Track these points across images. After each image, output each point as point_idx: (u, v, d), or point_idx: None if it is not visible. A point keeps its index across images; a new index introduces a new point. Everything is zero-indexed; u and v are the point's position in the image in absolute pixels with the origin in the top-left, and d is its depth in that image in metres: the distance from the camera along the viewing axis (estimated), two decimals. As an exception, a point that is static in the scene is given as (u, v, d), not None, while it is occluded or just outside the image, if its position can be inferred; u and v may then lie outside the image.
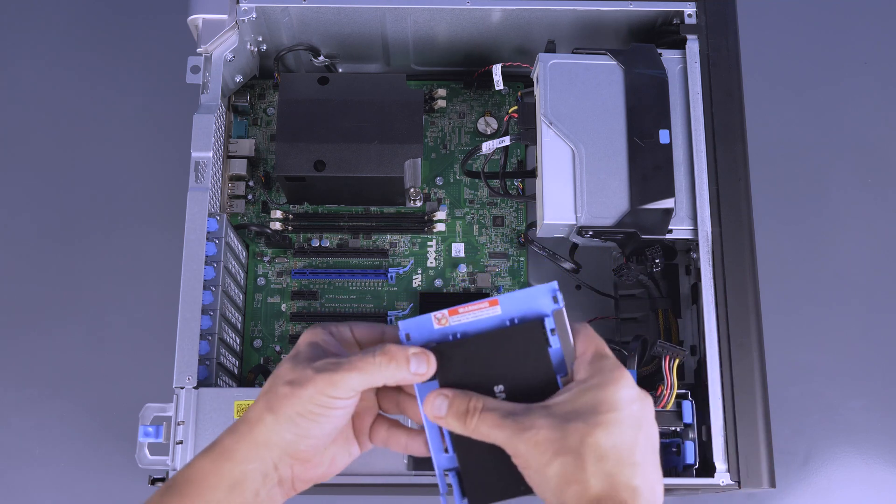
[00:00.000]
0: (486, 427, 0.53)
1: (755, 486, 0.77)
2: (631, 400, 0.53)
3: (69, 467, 1.03)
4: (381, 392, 0.60)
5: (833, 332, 1.09)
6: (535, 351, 0.56)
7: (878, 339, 1.09)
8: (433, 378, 0.56)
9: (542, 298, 0.56)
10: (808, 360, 1.08)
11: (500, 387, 0.56)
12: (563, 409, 0.52)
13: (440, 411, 0.55)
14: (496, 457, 0.54)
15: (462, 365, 0.56)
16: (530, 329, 0.56)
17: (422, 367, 0.55)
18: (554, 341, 0.56)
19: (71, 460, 1.03)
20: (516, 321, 0.56)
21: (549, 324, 0.56)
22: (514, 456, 0.53)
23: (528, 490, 0.54)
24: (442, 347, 0.56)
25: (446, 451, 0.56)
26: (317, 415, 0.54)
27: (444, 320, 0.56)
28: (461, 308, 0.56)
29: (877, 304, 1.10)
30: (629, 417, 0.52)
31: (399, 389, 0.59)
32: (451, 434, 0.56)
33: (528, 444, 0.51)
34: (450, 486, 0.56)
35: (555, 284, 0.56)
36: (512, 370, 0.56)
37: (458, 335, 0.56)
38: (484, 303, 0.56)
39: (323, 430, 0.55)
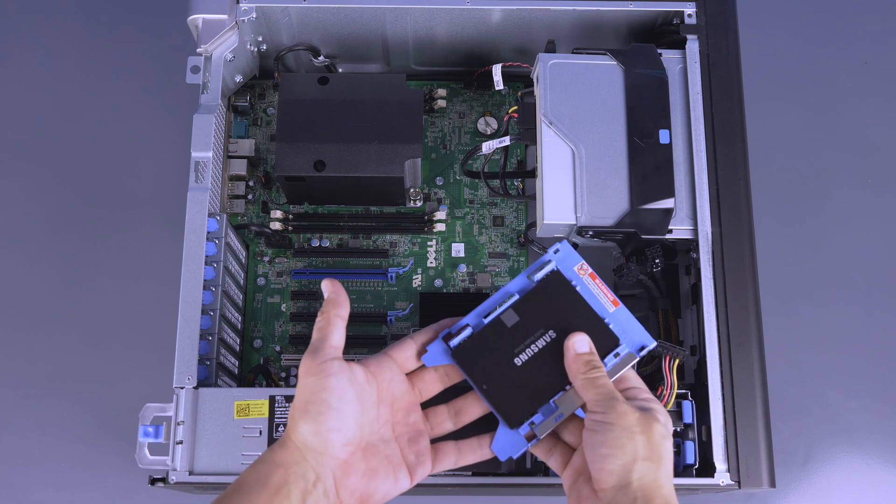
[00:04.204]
0: (603, 381, 0.63)
1: (755, 486, 0.77)
2: None
3: (69, 467, 1.03)
4: (430, 411, 0.67)
5: (833, 332, 1.09)
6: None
7: (878, 339, 1.09)
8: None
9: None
10: (808, 360, 1.08)
11: (552, 331, 0.66)
12: (640, 404, 0.63)
13: (583, 348, 0.65)
14: (506, 370, 0.65)
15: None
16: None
17: (326, 288, 0.65)
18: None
19: (71, 460, 1.03)
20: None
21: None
22: (604, 415, 0.61)
23: (485, 392, 0.65)
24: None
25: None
26: (317, 385, 0.60)
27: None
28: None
29: (877, 304, 1.10)
30: None
31: (446, 401, 0.68)
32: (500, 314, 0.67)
33: (623, 416, 0.61)
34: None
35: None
36: (556, 317, 0.66)
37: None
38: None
39: (330, 403, 0.60)
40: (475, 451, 0.67)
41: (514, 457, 0.65)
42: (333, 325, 0.63)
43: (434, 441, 0.67)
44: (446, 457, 0.66)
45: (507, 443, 0.65)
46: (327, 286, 0.65)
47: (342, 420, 0.60)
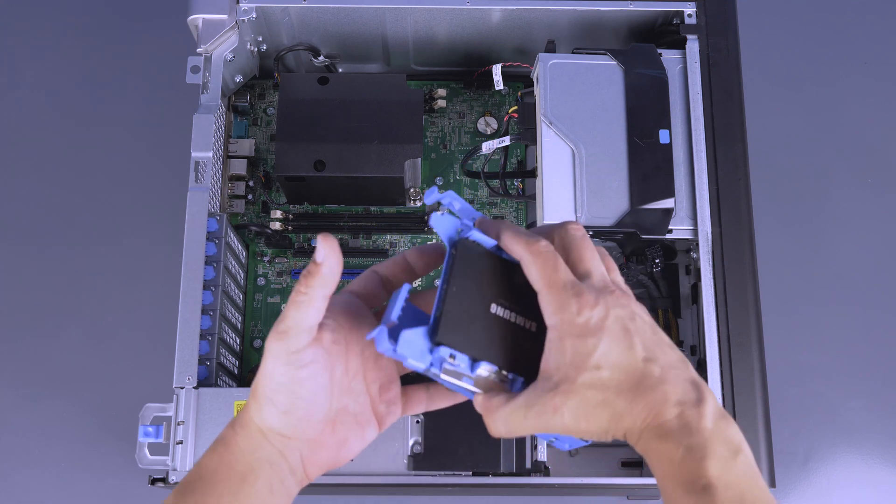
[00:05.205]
0: (516, 425, 0.52)
1: (755, 486, 0.77)
2: (601, 320, 0.51)
3: (69, 467, 1.03)
4: (407, 391, 0.60)
5: (833, 332, 1.09)
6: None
7: (878, 339, 1.09)
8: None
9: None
10: (808, 360, 1.08)
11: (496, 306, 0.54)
12: (564, 372, 0.51)
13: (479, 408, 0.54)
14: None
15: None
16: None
17: (319, 253, 0.53)
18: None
19: (71, 460, 1.03)
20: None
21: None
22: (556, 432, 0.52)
23: (448, 292, 0.54)
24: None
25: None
26: (288, 377, 0.53)
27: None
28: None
29: (877, 304, 1.10)
30: (614, 336, 0.51)
31: (424, 383, 0.59)
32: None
33: (561, 426, 0.51)
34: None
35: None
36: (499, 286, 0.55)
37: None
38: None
39: (302, 395, 0.54)
40: (446, 396, 0.61)
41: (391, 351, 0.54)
42: (313, 305, 0.53)
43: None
44: (417, 403, 0.61)
45: (409, 343, 0.53)
46: (322, 248, 0.53)
47: (313, 406, 0.55)
